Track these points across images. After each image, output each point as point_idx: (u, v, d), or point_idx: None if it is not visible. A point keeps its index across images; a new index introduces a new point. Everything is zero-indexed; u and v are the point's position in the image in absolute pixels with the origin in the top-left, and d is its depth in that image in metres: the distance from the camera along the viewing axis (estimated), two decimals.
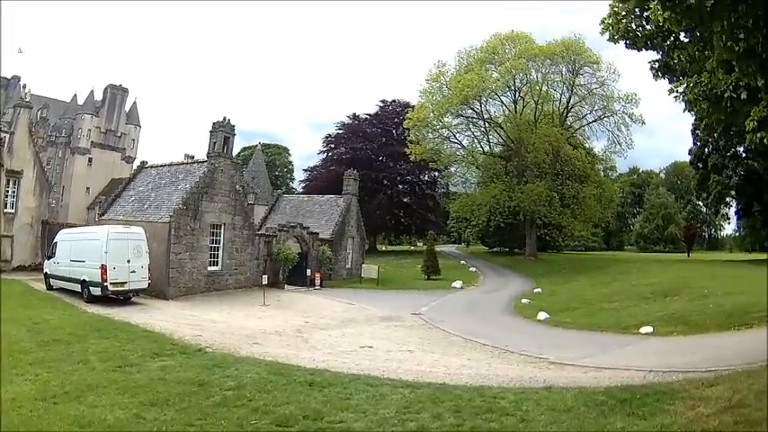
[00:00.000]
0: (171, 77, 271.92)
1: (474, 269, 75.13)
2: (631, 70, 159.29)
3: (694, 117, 60.54)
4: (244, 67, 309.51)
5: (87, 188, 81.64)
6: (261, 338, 24.52)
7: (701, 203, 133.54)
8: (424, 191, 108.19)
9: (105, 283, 32.93)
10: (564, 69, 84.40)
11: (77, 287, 35.17)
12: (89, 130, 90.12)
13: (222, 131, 43.18)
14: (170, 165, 47.85)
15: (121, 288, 33.80)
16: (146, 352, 18.91)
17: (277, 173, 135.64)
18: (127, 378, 15.28)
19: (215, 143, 43.07)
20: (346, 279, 58.68)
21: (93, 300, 33.40)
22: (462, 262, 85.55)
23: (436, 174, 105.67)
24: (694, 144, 67.98)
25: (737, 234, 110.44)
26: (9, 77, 79.07)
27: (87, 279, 34.16)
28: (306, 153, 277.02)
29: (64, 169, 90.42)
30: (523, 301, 42.16)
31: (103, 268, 32.89)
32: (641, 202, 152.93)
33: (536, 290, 50.10)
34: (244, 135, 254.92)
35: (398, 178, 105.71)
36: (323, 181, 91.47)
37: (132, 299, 35.13)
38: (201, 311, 33.15)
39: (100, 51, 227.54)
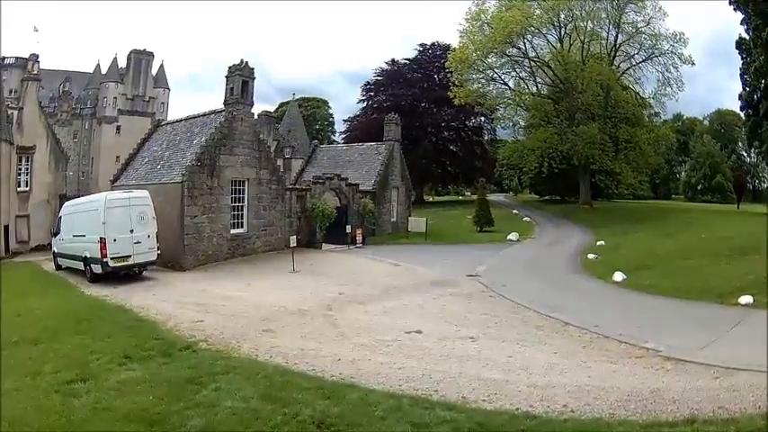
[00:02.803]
0: (203, 36, 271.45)
1: (528, 219, 70.62)
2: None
3: (742, 60, 57.97)
4: (279, 20, 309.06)
5: (117, 157, 77.27)
6: (277, 321, 19.70)
7: (744, 153, 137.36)
8: (470, 137, 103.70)
9: (105, 259, 28.69)
10: (609, 6, 78.87)
11: (81, 265, 31.12)
12: (114, 98, 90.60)
13: (239, 75, 38.03)
14: (186, 119, 43.37)
15: (124, 263, 29.49)
16: (116, 354, 14.88)
17: (318, 126, 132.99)
18: (65, 405, 11.26)
19: (232, 89, 38.00)
20: (391, 234, 53.94)
21: (95, 279, 29.54)
22: (515, 212, 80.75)
23: (482, 119, 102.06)
24: (744, 89, 62.39)
25: None
26: (26, 57, 76.19)
27: (88, 255, 30.04)
28: (348, 107, 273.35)
29: (92, 140, 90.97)
30: (590, 256, 37.44)
31: (102, 242, 28.62)
32: (686, 150, 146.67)
33: (599, 242, 45.18)
34: (281, 91, 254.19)
35: (443, 125, 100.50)
36: (363, 130, 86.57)
37: (143, 273, 30.98)
38: (217, 284, 28.44)
39: (124, 17, 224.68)
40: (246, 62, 38.60)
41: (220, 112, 38.55)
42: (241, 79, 37.89)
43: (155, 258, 30.79)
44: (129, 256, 29.41)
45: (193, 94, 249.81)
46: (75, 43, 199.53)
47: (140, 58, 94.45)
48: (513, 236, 50.64)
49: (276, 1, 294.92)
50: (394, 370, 13.74)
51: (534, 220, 69.30)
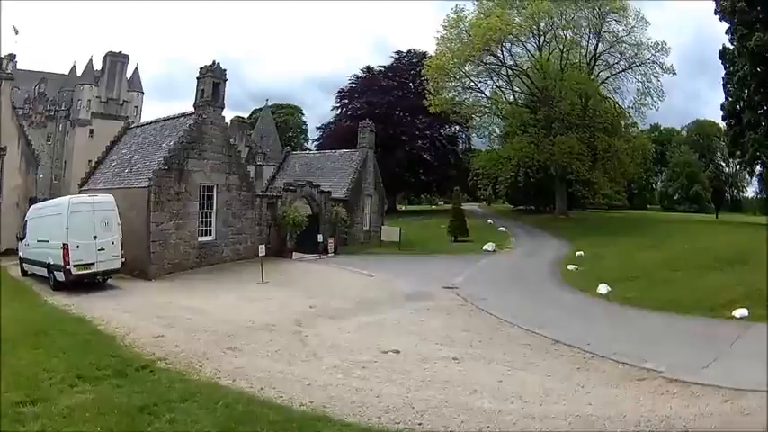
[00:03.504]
0: (178, 40, 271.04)
1: (503, 229, 69.21)
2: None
3: (725, 70, 58.62)
4: (254, 27, 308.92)
5: (90, 161, 75.91)
6: (243, 338, 18.36)
7: (723, 163, 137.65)
8: (444, 146, 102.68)
9: (68, 266, 27.21)
10: (590, 15, 78.84)
11: (45, 272, 29.65)
12: (89, 100, 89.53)
13: (211, 77, 36.80)
14: (155, 122, 42.08)
15: (87, 271, 27.97)
16: (69, 373, 13.50)
17: (291, 134, 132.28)
18: None
19: (203, 90, 36.71)
20: (364, 243, 52.58)
21: (59, 286, 28.01)
22: (490, 221, 79.73)
23: (457, 128, 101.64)
24: (726, 99, 62.88)
25: (758, 196, 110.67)
26: (2, 56, 75.14)
27: (52, 262, 28.55)
28: (322, 115, 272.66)
29: (65, 143, 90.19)
30: (570, 267, 36.63)
31: (65, 248, 27.17)
32: (663, 160, 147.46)
33: (577, 253, 44.28)
34: (255, 98, 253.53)
35: (417, 133, 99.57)
36: (337, 138, 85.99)
37: (108, 282, 29.50)
38: (183, 295, 27.08)
39: (100, 19, 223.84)
40: (218, 63, 37.44)
41: (190, 115, 37.21)
42: (212, 81, 36.68)
43: (119, 266, 29.35)
44: (93, 263, 27.99)
45: (169, 101, 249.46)
46: (53, 44, 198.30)
47: (115, 61, 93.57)
48: (489, 246, 49.77)
49: (255, 6, 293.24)
50: (371, 398, 12.49)
51: (510, 231, 68.38)
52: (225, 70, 37.72)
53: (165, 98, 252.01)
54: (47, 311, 22.80)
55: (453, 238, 57.13)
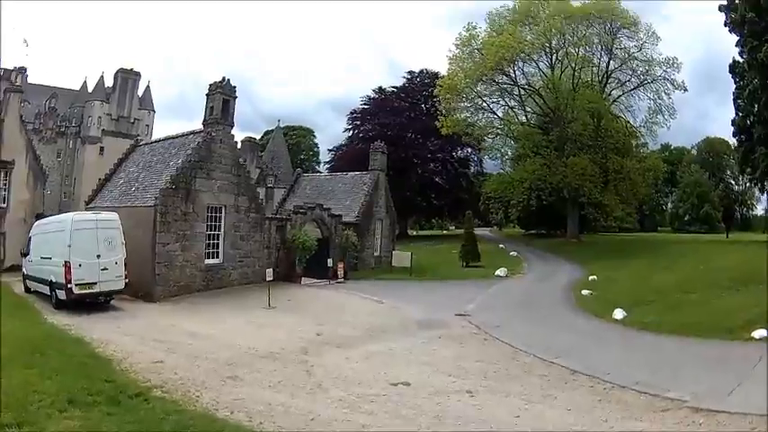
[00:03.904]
0: (191, 59, 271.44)
1: (515, 254, 68.85)
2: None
3: (735, 84, 58.20)
4: (267, 48, 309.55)
5: (99, 179, 76.21)
6: (245, 366, 17.52)
7: (733, 182, 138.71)
8: (456, 169, 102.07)
9: (69, 285, 26.45)
10: (601, 31, 78.77)
11: (47, 289, 29.02)
12: (99, 117, 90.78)
13: (220, 93, 36.07)
14: (164, 139, 41.59)
15: (89, 290, 27.25)
16: (60, 397, 12.65)
17: (302, 156, 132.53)
18: None
19: (212, 108, 36.03)
20: (375, 268, 51.56)
21: (60, 305, 27.30)
22: (501, 246, 79.27)
23: (469, 150, 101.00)
24: (736, 114, 62.06)
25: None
26: (12, 68, 75.14)
27: (54, 279, 27.90)
28: (334, 137, 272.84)
29: (75, 160, 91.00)
30: (584, 292, 35.92)
31: (67, 266, 26.45)
32: (674, 180, 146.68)
33: (591, 277, 43.56)
34: (268, 120, 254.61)
35: (429, 155, 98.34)
36: (349, 160, 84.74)
37: (111, 303, 28.81)
38: (186, 319, 26.29)
39: (113, 37, 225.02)
40: (228, 80, 36.82)
41: (199, 132, 36.60)
42: (222, 98, 36.02)
43: (122, 287, 28.61)
44: (95, 283, 27.27)
45: (181, 120, 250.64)
46: (65, 59, 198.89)
47: (127, 78, 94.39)
48: (501, 271, 49.00)
49: (269, 27, 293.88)
50: None
51: (522, 255, 67.71)
52: (235, 87, 37.09)
53: (178, 117, 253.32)
54: (46, 330, 21.96)
55: (465, 264, 56.11)
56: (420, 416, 13.04)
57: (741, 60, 57.26)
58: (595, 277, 42.76)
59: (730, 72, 60.18)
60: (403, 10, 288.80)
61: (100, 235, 27.77)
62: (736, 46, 56.98)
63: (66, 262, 26.47)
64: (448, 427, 12.34)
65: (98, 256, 27.33)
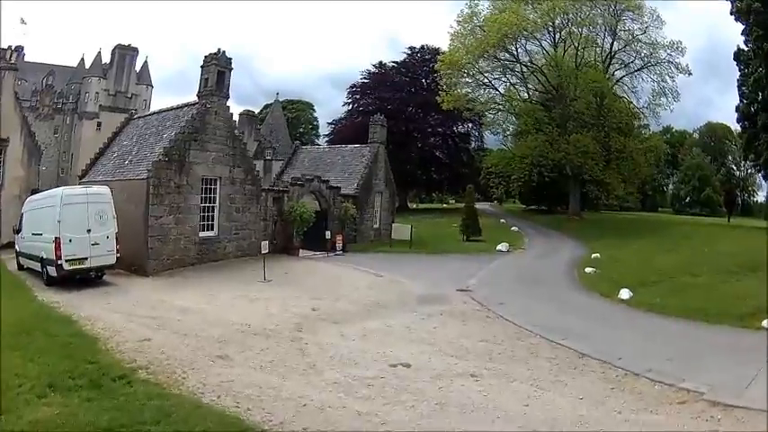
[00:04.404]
0: (191, 34, 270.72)
1: (516, 229, 68.00)
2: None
3: (740, 72, 58.27)
4: (267, 23, 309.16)
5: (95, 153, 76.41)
6: (235, 344, 16.82)
7: (734, 167, 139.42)
8: (457, 144, 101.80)
9: (60, 261, 25.92)
10: (605, 13, 77.66)
11: (39, 266, 28.60)
12: (96, 93, 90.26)
13: (215, 65, 35.25)
14: (158, 112, 40.85)
15: (81, 266, 26.71)
16: (41, 381, 12.20)
17: (301, 130, 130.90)
18: None
19: (206, 79, 35.24)
20: (374, 241, 51.27)
21: (51, 282, 26.90)
22: (502, 221, 78.44)
23: (470, 125, 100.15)
24: (741, 101, 61.77)
25: None
26: (7, 47, 74.79)
27: (45, 256, 27.37)
28: (334, 112, 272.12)
29: (72, 136, 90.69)
30: (587, 269, 35.21)
31: (57, 242, 25.90)
32: (675, 162, 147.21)
33: (593, 255, 43.02)
34: (267, 94, 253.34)
35: (429, 130, 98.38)
36: (348, 134, 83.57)
37: (103, 278, 28.16)
38: (178, 294, 25.58)
39: (112, 13, 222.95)
40: (224, 51, 36.00)
41: (194, 104, 35.71)
42: (217, 69, 35.15)
43: (114, 262, 28.00)
44: (86, 258, 26.69)
45: (181, 95, 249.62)
46: (63, 37, 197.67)
47: (124, 54, 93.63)
48: (502, 246, 48.53)
49: (269, 2, 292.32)
50: (375, 425, 10.81)
51: (523, 231, 67.14)
52: (230, 59, 36.29)
53: (177, 92, 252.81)
54: (34, 309, 21.29)
55: (465, 238, 55.62)
56: (421, 402, 12.21)
57: (746, 49, 57.38)
58: (598, 255, 42.32)
59: (735, 60, 60.11)
60: None
61: (90, 209, 27.15)
62: (741, 35, 57.24)
63: (56, 238, 25.90)
64: (451, 415, 11.51)
65: (89, 231, 26.78)
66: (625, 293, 25.92)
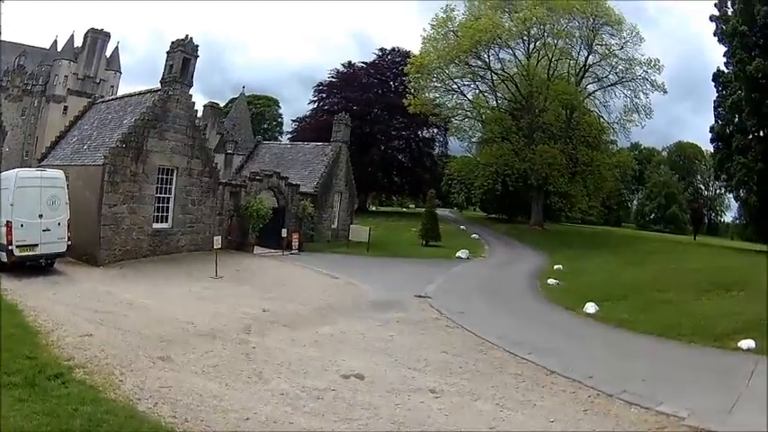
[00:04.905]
0: (163, 23, 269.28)
1: (476, 236, 68.23)
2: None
3: (717, 93, 59.59)
4: (239, 18, 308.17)
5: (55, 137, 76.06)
6: (179, 345, 16.04)
7: (703, 186, 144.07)
8: (420, 148, 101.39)
9: (10, 247, 24.74)
10: (583, 26, 77.94)
11: None
12: (66, 76, 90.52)
13: (181, 51, 34.44)
14: (121, 97, 40.01)
15: (31, 252, 25.58)
16: None
17: (266, 126, 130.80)
18: None
19: (171, 66, 34.37)
20: (331, 241, 50.93)
21: (2, 268, 25.04)
22: (462, 227, 78.45)
23: (435, 130, 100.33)
24: (716, 121, 62.94)
25: (738, 222, 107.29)
26: None
27: None
28: (300, 110, 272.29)
29: (39, 118, 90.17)
30: (550, 281, 35.16)
31: (8, 226, 24.74)
32: (642, 179, 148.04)
33: (555, 266, 43.00)
34: (235, 89, 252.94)
35: (394, 133, 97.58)
36: (311, 131, 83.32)
37: (54, 266, 27.14)
38: (126, 286, 24.80)
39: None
40: (191, 38, 35.25)
41: (156, 91, 34.77)
42: (182, 56, 34.40)
43: (64, 250, 27.01)
44: (37, 245, 25.68)
45: (148, 83, 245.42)
46: (38, 17, 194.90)
47: (96, 38, 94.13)
48: (462, 253, 48.60)
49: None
50: None
51: (483, 239, 67.22)
52: (197, 46, 35.57)
53: (145, 80, 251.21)
54: None
55: (425, 243, 55.55)
56: (376, 420, 11.40)
57: (726, 71, 58.24)
58: (561, 267, 42.24)
59: (714, 81, 61.09)
60: None
61: (44, 194, 26.16)
62: (723, 56, 58.30)
63: (7, 222, 24.81)
64: None
65: (40, 216, 25.80)
66: (591, 307, 25.48)
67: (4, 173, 31.15)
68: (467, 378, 14.85)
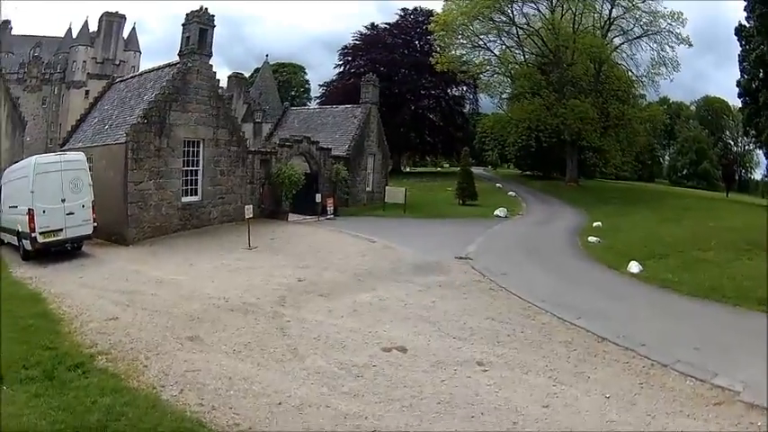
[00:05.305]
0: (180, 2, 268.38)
1: (513, 194, 67.11)
2: None
3: (741, 47, 57.32)
4: None
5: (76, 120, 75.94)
6: (209, 322, 15.33)
7: (732, 142, 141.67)
8: (451, 107, 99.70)
9: (34, 234, 24.66)
10: None
11: (16, 240, 27.15)
12: (84, 61, 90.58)
13: (197, 23, 33.45)
14: (140, 74, 39.38)
15: (55, 238, 25.28)
16: None
17: (293, 93, 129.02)
18: None
19: (188, 37, 33.46)
20: (366, 204, 50.09)
21: (27, 256, 25.61)
22: (498, 185, 77.05)
23: (464, 88, 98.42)
24: (742, 76, 59.89)
25: (766, 179, 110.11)
26: None
27: (20, 229, 26.00)
28: (326, 76, 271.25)
29: (60, 105, 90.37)
30: (590, 239, 33.69)
31: (30, 213, 24.62)
32: (672, 134, 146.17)
33: (595, 223, 41.94)
34: (259, 59, 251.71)
35: (423, 92, 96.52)
36: (339, 95, 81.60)
37: (82, 249, 26.99)
38: (156, 264, 24.35)
39: None
40: (206, 8, 34.18)
41: (175, 64, 33.96)
42: (199, 27, 33.39)
43: (90, 232, 26.56)
44: (61, 229, 25.28)
45: (170, 60, 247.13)
46: (51, 7, 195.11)
47: (111, 21, 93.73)
48: (500, 211, 47.26)
49: None
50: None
51: (520, 196, 65.95)
52: (213, 16, 34.57)
53: (166, 58, 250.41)
54: (5, 287, 19.62)
55: (461, 202, 54.60)
56: (420, 400, 10.39)
57: (748, 25, 56.41)
58: (600, 224, 41.33)
59: (736, 35, 58.72)
60: None
61: (65, 177, 25.67)
62: (744, 10, 56.16)
63: (29, 209, 24.54)
64: (458, 418, 9.76)
65: (63, 201, 25.35)
66: (635, 267, 24.52)
67: (24, 161, 30.97)
68: (515, 348, 13.88)
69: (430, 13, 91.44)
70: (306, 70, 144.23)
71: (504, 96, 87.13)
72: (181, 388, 10.66)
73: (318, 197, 40.52)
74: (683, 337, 14.91)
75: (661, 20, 74.38)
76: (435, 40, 79.75)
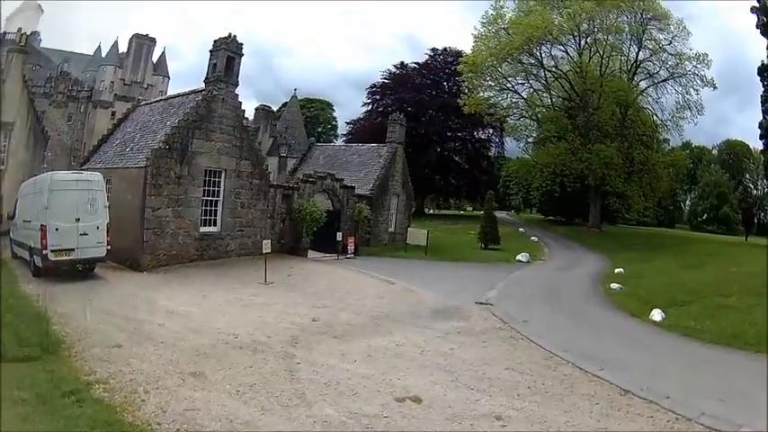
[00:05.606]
0: (213, 31, 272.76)
1: (535, 239, 66.47)
2: None
3: (763, 87, 55.92)
4: (290, 23, 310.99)
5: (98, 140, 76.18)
6: (215, 359, 14.68)
7: (752, 185, 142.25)
8: (477, 150, 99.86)
9: (45, 251, 24.07)
10: (632, 20, 76.53)
11: (28, 255, 26.67)
12: (112, 82, 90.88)
13: (225, 50, 33.26)
14: (165, 99, 39.43)
15: (67, 257, 24.70)
16: None
17: (320, 129, 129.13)
18: None
19: (215, 65, 33.19)
20: (388, 245, 49.36)
21: (38, 273, 24.88)
22: (521, 230, 77.02)
23: (491, 131, 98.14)
24: (764, 117, 58.56)
25: None
26: (16, 31, 74.90)
27: (32, 245, 25.52)
28: (354, 113, 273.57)
29: (86, 124, 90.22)
30: (612, 286, 32.94)
31: (43, 230, 24.20)
32: (694, 178, 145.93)
33: (617, 269, 41.31)
34: (288, 93, 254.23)
35: (449, 134, 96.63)
36: (366, 133, 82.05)
37: (94, 270, 26.47)
38: (168, 293, 23.65)
39: (133, 6, 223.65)
40: (234, 36, 34.09)
41: (200, 91, 33.69)
42: (226, 55, 33.18)
43: (104, 255, 25.96)
44: (73, 249, 24.71)
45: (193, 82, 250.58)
46: (81, 25, 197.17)
47: (142, 44, 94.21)
48: (522, 256, 46.73)
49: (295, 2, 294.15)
50: None
51: (542, 241, 65.57)
52: (242, 44, 34.50)
53: (195, 84, 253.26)
54: (10, 303, 18.72)
55: (484, 246, 54.02)
56: None
57: None
58: (622, 270, 40.66)
59: (759, 75, 57.64)
60: None
61: (80, 196, 25.25)
62: (766, 49, 55.16)
63: (42, 225, 24.08)
64: None
65: (77, 220, 24.86)
66: (657, 315, 23.97)
67: (40, 176, 30.53)
68: (536, 401, 13.15)
69: (459, 53, 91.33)
70: (333, 107, 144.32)
71: (530, 140, 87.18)
72: (177, 428, 10.06)
73: (339, 235, 40.12)
74: (708, 388, 14.45)
75: (687, 62, 75.45)
76: (464, 81, 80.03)
